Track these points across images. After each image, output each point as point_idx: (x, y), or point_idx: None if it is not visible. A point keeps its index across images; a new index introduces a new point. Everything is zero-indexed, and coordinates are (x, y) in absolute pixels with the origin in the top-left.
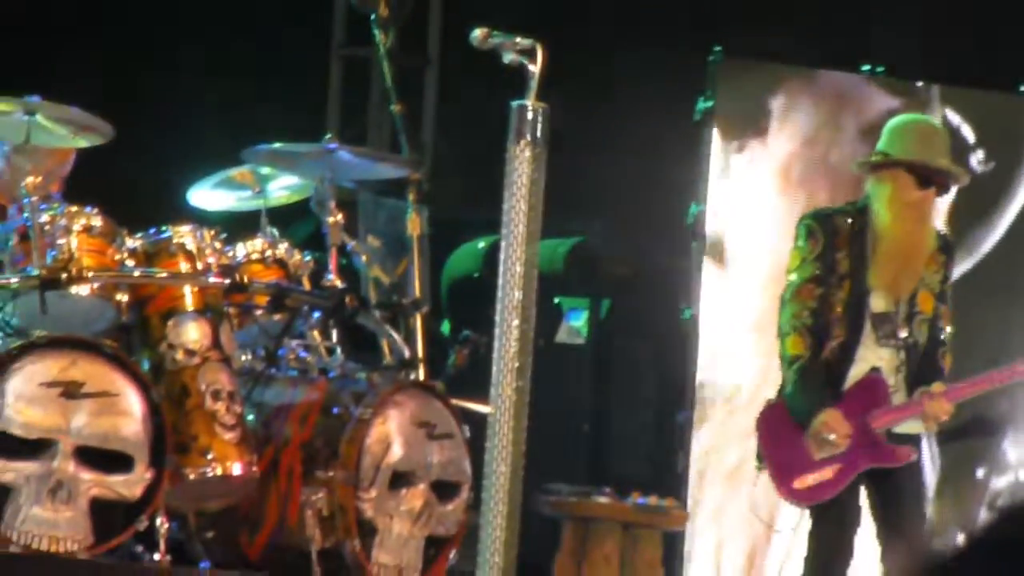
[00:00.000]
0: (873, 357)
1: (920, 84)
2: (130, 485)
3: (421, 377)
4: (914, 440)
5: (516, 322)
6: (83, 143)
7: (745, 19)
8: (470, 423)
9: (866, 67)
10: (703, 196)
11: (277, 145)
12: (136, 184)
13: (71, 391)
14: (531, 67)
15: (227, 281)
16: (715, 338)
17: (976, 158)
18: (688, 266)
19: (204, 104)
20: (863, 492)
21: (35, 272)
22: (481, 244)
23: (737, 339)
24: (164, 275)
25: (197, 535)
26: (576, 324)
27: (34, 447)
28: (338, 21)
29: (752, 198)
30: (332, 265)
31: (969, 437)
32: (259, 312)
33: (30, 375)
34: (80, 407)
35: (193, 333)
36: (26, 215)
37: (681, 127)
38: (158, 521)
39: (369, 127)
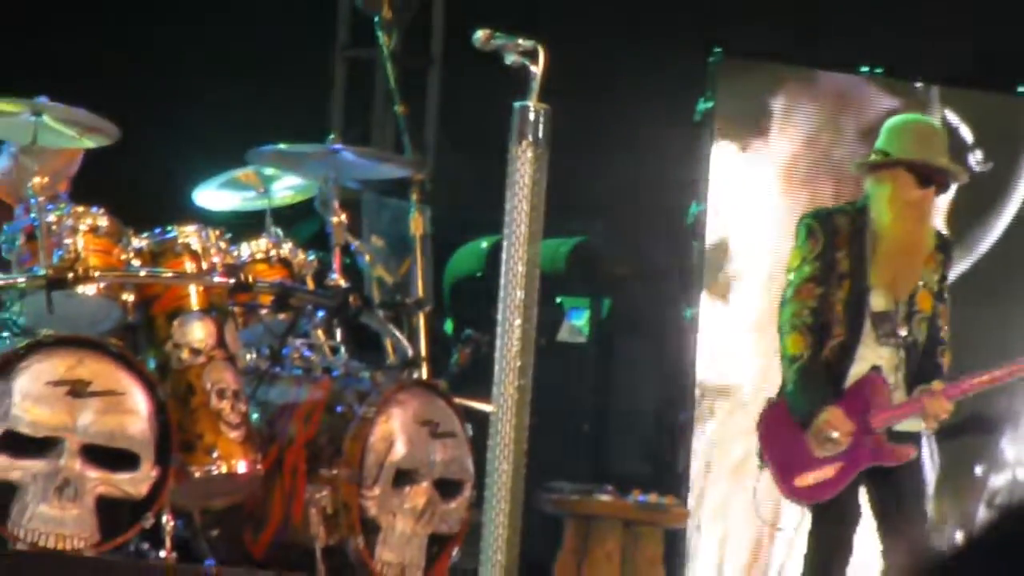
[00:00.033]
0: (873, 356)
1: (919, 85)
2: (136, 483)
3: (424, 376)
4: (914, 438)
5: (518, 321)
6: (90, 144)
7: (745, 20)
8: (472, 421)
9: (865, 68)
10: (703, 196)
11: (282, 146)
12: (142, 184)
13: (78, 390)
14: (533, 68)
15: (232, 281)
16: (715, 337)
17: (974, 158)
18: (689, 266)
19: (209, 105)
20: (863, 490)
21: (42, 272)
22: (483, 244)
23: (737, 339)
24: (169, 275)
25: (202, 533)
26: (577, 323)
27: (41, 445)
28: (342, 23)
29: (753, 198)
30: (336, 265)
31: (967, 435)
32: (264, 311)
33: (37, 374)
34: (86, 406)
35: (198, 332)
36: (33, 215)
37: (682, 127)
38: (164, 519)
39: (373, 128)
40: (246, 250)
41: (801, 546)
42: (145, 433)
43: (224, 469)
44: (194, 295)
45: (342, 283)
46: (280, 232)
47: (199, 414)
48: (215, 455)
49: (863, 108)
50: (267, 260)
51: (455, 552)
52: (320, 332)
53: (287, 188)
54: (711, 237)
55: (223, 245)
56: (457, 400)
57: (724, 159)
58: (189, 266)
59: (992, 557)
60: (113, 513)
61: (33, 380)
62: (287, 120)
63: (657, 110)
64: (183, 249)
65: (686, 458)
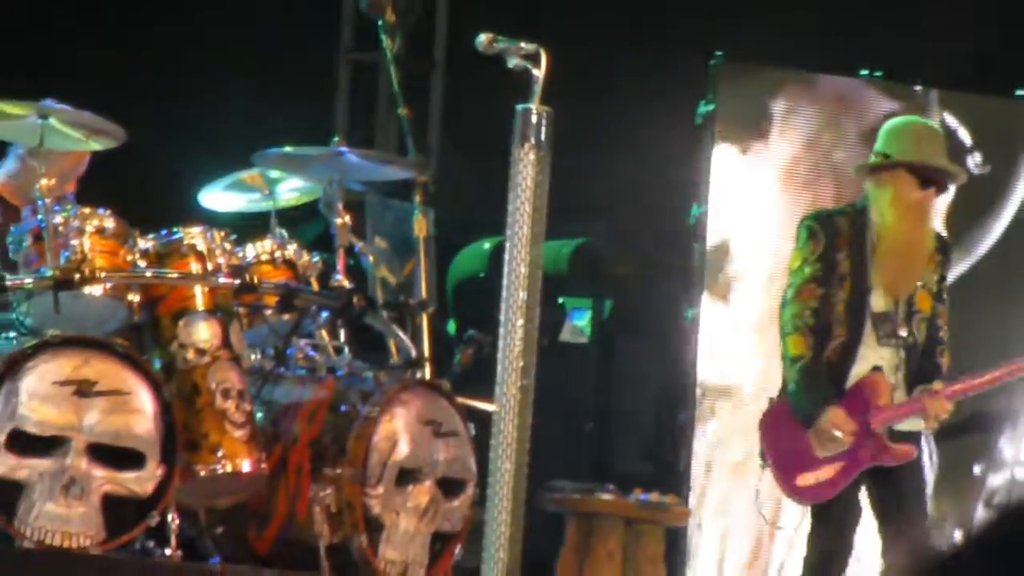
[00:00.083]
0: (874, 356)
1: (919, 88)
2: (142, 482)
3: (427, 376)
4: (914, 438)
5: (520, 322)
6: (96, 146)
7: (745, 23)
8: (475, 421)
9: (865, 71)
10: (704, 198)
11: (287, 148)
12: (148, 186)
13: (84, 389)
14: (535, 71)
15: (237, 282)
16: (716, 338)
17: (973, 161)
18: (690, 267)
19: (214, 108)
20: (863, 490)
21: (49, 273)
22: (486, 245)
23: (738, 339)
24: (175, 276)
25: (207, 531)
26: (579, 324)
27: (47, 444)
28: (346, 26)
29: (753, 200)
30: (340, 266)
31: (966, 434)
32: (268, 312)
33: (44, 374)
34: (93, 405)
35: (203, 333)
36: (40, 217)
37: (683, 130)
38: (169, 517)
39: (376, 130)
40: (251, 251)
41: (801, 545)
42: (151, 432)
43: (229, 468)
44: (199, 296)
45: (346, 284)
46: (285, 233)
47: (204, 414)
48: (220, 454)
49: (863, 111)
50: (272, 261)
51: (458, 550)
52: (324, 332)
53: (292, 190)
54: (712, 238)
55: (228, 246)
56: (460, 400)
57: (725, 161)
58: (194, 267)
59: (991, 556)
60: (119, 511)
61: (40, 380)
62: (292, 122)
63: (658, 112)
64: (188, 250)
65: (687, 457)
